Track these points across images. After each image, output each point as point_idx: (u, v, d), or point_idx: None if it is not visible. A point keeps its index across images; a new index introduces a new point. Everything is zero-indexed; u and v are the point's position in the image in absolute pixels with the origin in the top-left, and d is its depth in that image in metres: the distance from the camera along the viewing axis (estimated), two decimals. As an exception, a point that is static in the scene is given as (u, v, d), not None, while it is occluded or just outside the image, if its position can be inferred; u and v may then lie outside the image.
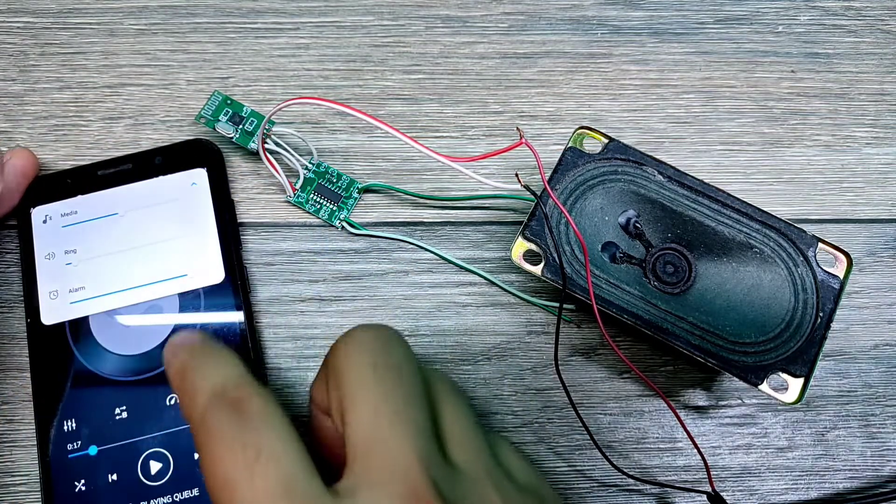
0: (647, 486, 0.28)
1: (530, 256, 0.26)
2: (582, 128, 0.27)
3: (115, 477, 0.27)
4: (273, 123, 0.30)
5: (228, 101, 0.31)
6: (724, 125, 0.33)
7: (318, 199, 0.31)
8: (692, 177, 0.26)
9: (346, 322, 0.30)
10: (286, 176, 0.30)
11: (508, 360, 0.30)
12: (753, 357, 0.25)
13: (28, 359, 0.28)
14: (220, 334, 0.29)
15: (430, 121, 0.33)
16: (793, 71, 0.34)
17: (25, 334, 0.29)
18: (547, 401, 0.29)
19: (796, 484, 0.29)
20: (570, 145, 0.27)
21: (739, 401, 0.29)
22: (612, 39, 0.35)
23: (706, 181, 0.26)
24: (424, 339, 0.30)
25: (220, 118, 0.31)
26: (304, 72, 0.34)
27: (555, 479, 0.28)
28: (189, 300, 0.29)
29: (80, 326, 0.28)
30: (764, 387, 0.24)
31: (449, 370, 0.29)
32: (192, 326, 0.29)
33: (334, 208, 0.31)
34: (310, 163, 0.31)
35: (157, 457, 0.27)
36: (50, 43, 0.34)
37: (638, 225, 0.26)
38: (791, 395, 0.24)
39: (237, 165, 0.32)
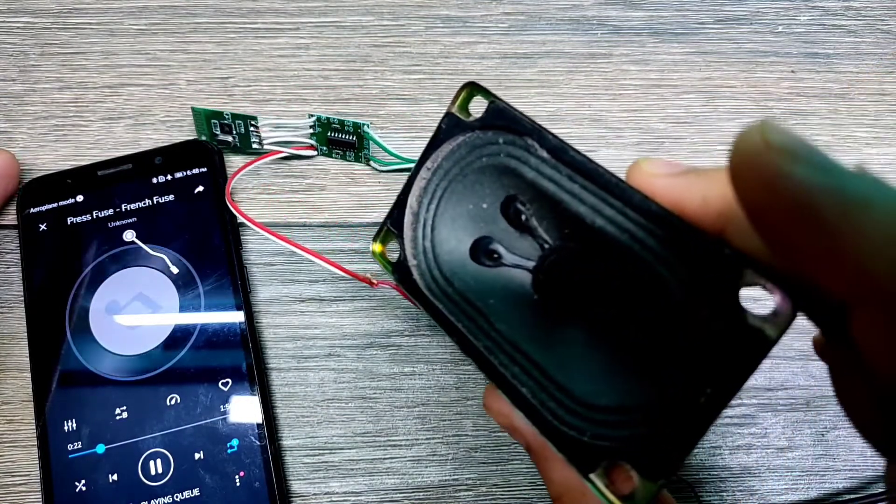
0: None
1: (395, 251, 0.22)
2: (469, 85, 0.21)
3: (115, 477, 0.27)
4: (256, 119, 0.31)
5: (209, 113, 0.31)
6: (725, 125, 0.33)
7: (337, 149, 0.32)
8: (576, 151, 0.19)
9: (346, 322, 0.30)
10: (299, 145, 0.31)
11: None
12: (596, 429, 0.17)
13: (28, 359, 0.28)
14: (220, 334, 0.29)
15: (430, 121, 0.33)
16: (793, 71, 0.34)
17: (25, 334, 0.29)
18: (547, 401, 0.29)
19: (796, 484, 0.29)
20: (450, 110, 0.21)
21: (739, 400, 0.29)
22: (612, 39, 0.35)
23: (596, 161, 0.18)
24: (424, 338, 0.30)
25: (216, 132, 0.31)
26: (304, 72, 0.34)
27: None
28: (189, 300, 0.29)
29: (80, 327, 0.28)
30: (595, 476, 0.17)
31: (449, 370, 0.29)
32: (192, 326, 0.29)
33: (355, 152, 0.32)
34: (310, 125, 0.31)
35: (158, 457, 0.27)
36: (50, 43, 0.34)
37: (524, 216, 0.19)
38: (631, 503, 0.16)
39: (237, 165, 0.32)
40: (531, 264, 0.19)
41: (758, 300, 0.15)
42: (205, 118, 0.31)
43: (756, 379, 0.28)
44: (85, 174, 0.31)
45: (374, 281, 0.21)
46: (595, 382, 0.17)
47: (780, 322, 0.15)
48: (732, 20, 0.35)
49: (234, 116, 0.31)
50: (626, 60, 0.34)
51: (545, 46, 0.34)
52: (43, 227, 0.30)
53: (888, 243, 0.11)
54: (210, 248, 0.30)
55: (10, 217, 0.31)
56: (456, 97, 0.21)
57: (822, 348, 0.18)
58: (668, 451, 0.16)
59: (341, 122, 0.31)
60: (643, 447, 0.16)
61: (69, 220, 0.30)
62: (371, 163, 0.32)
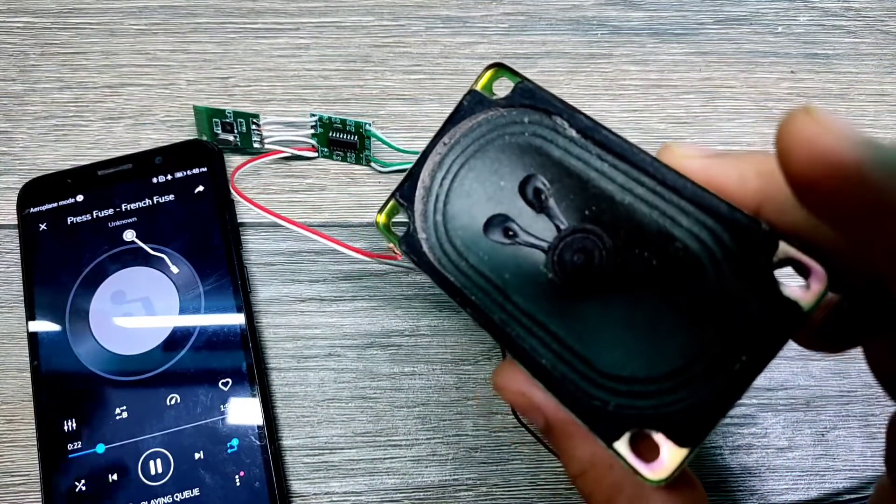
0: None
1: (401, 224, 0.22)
2: (495, 65, 0.21)
3: (115, 477, 0.27)
4: (258, 117, 0.31)
5: (210, 112, 0.31)
6: (724, 125, 0.33)
7: (338, 150, 0.32)
8: (609, 130, 0.19)
9: (346, 322, 0.30)
10: (300, 146, 0.32)
11: (509, 360, 0.30)
12: (620, 399, 0.17)
13: (28, 359, 0.28)
14: (220, 334, 0.29)
15: (430, 121, 0.33)
16: (793, 71, 0.34)
17: (25, 334, 0.29)
18: (547, 401, 0.29)
19: (796, 484, 0.29)
20: (474, 87, 0.21)
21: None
22: (612, 39, 0.35)
23: (629, 140, 0.19)
24: (424, 338, 0.30)
25: (217, 130, 0.31)
26: (304, 72, 0.34)
27: (555, 476, 0.28)
28: (189, 300, 0.29)
29: (80, 327, 0.28)
30: (621, 445, 0.16)
31: (449, 370, 0.29)
32: (192, 327, 0.29)
33: (356, 153, 0.32)
34: (312, 124, 0.31)
35: (158, 457, 0.27)
36: (50, 43, 0.34)
37: (543, 195, 0.19)
38: (658, 470, 0.16)
39: (237, 165, 0.32)
40: (546, 244, 0.19)
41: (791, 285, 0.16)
42: (206, 116, 0.31)
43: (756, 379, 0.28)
44: (85, 174, 0.31)
45: (397, 252, 0.21)
46: (619, 354, 0.17)
47: (814, 294, 0.15)
48: (732, 20, 0.35)
49: (237, 114, 0.31)
50: (626, 60, 0.34)
51: (545, 46, 0.34)
52: (43, 226, 0.30)
53: None
54: (210, 248, 0.30)
55: (10, 217, 0.31)
56: (480, 77, 0.20)
57: (810, 335, 0.19)
58: (698, 417, 0.16)
59: (343, 122, 0.31)
60: (672, 414, 0.16)
61: (69, 220, 0.30)
62: (372, 164, 0.32)
